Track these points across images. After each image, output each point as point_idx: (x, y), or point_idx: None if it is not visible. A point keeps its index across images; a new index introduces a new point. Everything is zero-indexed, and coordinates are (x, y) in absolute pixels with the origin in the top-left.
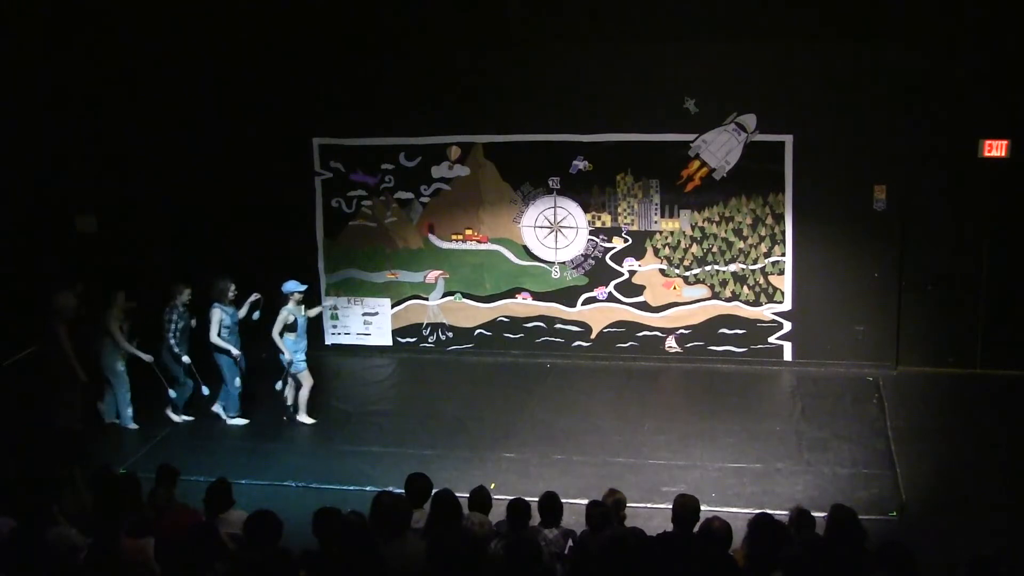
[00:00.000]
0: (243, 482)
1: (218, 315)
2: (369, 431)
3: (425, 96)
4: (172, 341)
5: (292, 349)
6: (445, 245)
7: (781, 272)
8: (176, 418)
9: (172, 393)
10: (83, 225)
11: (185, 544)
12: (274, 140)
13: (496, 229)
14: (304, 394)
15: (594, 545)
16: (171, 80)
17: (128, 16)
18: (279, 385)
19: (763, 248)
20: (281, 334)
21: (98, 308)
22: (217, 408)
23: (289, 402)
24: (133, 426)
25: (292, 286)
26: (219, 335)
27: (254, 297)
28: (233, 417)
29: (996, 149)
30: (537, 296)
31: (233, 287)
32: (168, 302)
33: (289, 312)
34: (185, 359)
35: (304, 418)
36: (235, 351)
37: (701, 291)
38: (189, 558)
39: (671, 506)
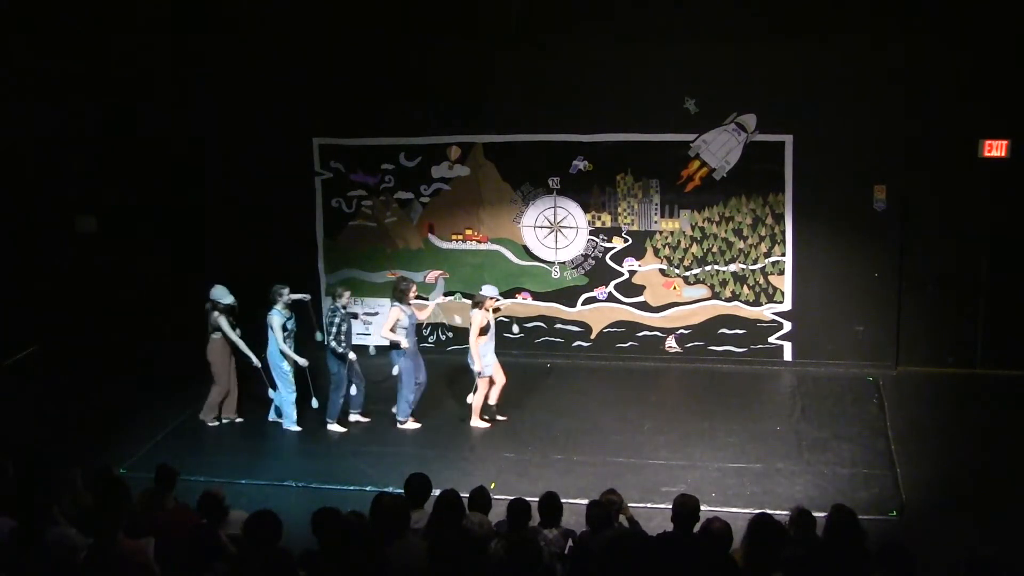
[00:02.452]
0: (243, 482)
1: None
2: (369, 431)
3: (425, 96)
4: (334, 343)
5: (482, 352)
6: (445, 245)
7: (781, 272)
8: (336, 427)
9: (352, 392)
10: (83, 225)
11: (185, 544)
12: (274, 140)
13: (496, 229)
14: (479, 398)
15: (594, 545)
16: (171, 80)
17: (129, 16)
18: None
19: (763, 248)
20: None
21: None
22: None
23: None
24: (296, 428)
25: (490, 290)
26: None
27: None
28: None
29: (996, 149)
30: (537, 296)
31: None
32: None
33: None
34: (352, 355)
35: (477, 422)
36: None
37: (701, 291)
38: (189, 558)
39: (671, 506)
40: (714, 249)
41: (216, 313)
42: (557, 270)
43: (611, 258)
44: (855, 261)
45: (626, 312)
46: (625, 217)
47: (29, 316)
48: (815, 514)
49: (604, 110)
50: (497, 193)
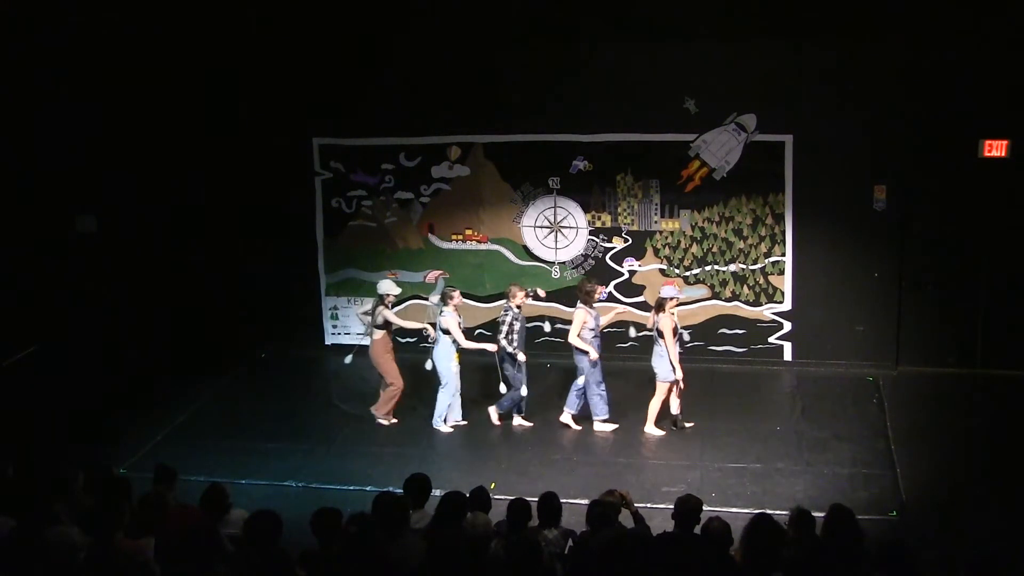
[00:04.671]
0: (243, 482)
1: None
2: (369, 431)
3: (425, 96)
4: (504, 341)
5: (665, 354)
6: (445, 245)
7: (781, 272)
8: (523, 422)
9: (523, 392)
10: (83, 225)
11: (185, 544)
12: (274, 140)
13: (496, 229)
14: (657, 403)
15: (594, 545)
16: (172, 79)
17: (129, 15)
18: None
19: (763, 248)
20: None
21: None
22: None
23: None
24: (446, 429)
25: (671, 291)
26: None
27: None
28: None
29: (996, 149)
30: (537, 296)
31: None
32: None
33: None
34: (521, 356)
35: (653, 429)
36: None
37: (701, 291)
38: (189, 558)
39: (671, 506)
40: (714, 249)
41: (382, 307)
42: (557, 270)
43: (611, 258)
44: (855, 261)
45: (626, 312)
46: (625, 217)
47: (29, 316)
48: (815, 514)
49: (604, 110)
50: (497, 193)
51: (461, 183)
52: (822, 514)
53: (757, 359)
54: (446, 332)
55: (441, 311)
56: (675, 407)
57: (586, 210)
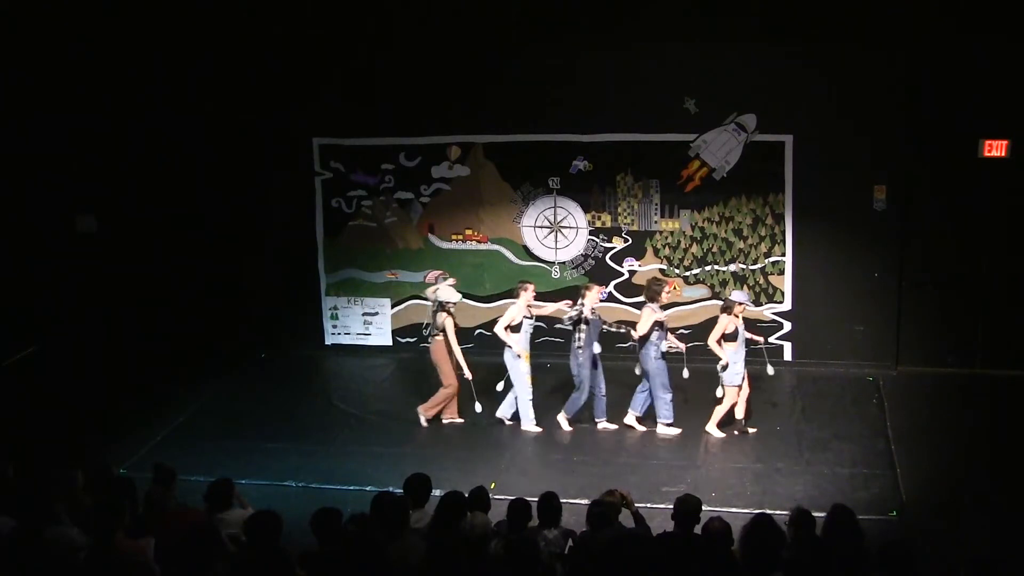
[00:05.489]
0: (243, 482)
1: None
2: (369, 431)
3: (425, 96)
4: (576, 344)
5: (733, 360)
6: (445, 245)
7: (781, 272)
8: (566, 424)
9: (596, 392)
10: (83, 225)
11: (185, 544)
12: (274, 140)
13: (496, 229)
14: (724, 407)
15: (594, 545)
16: (171, 79)
17: (128, 15)
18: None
19: (763, 248)
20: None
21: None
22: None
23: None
24: (536, 429)
25: (740, 296)
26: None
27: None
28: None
29: (996, 149)
30: (538, 296)
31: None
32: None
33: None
34: (596, 348)
35: (715, 431)
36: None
37: (701, 291)
38: (189, 558)
39: (671, 506)
40: (714, 249)
41: (443, 314)
42: (557, 270)
43: (611, 258)
44: (855, 261)
45: (626, 312)
46: (625, 217)
47: (29, 316)
48: (815, 514)
49: (604, 110)
50: (497, 193)
51: (461, 183)
52: (822, 514)
53: (757, 359)
54: (514, 330)
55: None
56: (740, 411)
57: (586, 210)
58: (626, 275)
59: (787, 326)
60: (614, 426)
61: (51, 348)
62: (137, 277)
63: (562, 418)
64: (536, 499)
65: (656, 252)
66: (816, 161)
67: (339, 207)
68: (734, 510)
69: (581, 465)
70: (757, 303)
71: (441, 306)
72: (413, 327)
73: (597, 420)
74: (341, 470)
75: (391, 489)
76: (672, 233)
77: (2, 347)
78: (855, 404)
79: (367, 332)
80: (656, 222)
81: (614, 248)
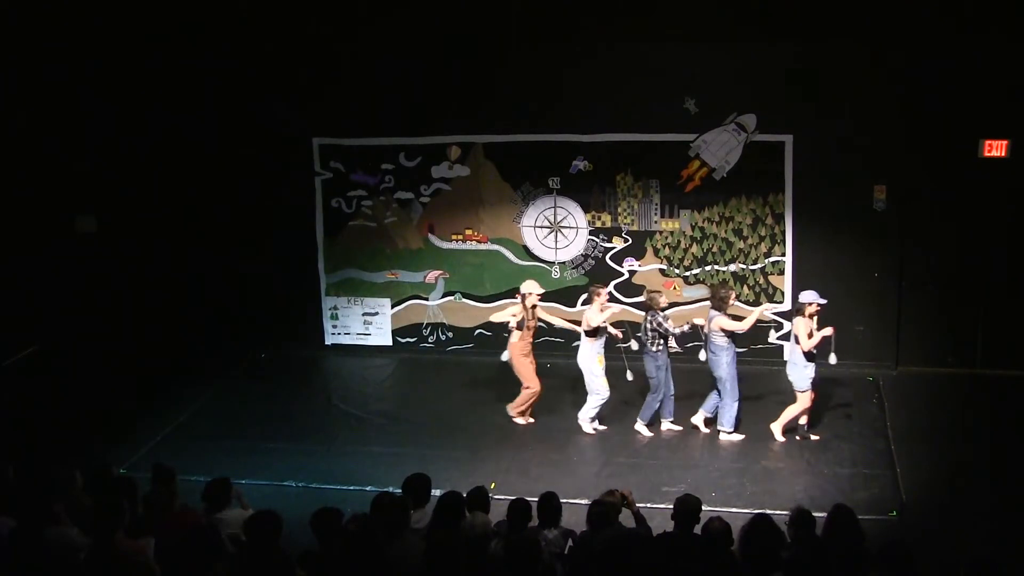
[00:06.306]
0: (243, 482)
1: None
2: (369, 431)
3: (425, 96)
4: (654, 348)
5: (804, 363)
6: (445, 245)
7: (781, 272)
8: (644, 429)
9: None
10: (83, 225)
11: (185, 544)
12: (274, 140)
13: (496, 229)
14: (793, 411)
15: (594, 545)
16: (171, 79)
17: (129, 15)
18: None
19: (763, 248)
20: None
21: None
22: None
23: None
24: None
25: (810, 296)
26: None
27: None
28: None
29: (996, 149)
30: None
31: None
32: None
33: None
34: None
35: (779, 435)
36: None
37: (701, 291)
38: (189, 558)
39: (671, 506)
40: (714, 249)
41: (515, 311)
42: (557, 270)
43: (611, 258)
44: (855, 261)
45: (626, 312)
46: (625, 217)
47: (29, 316)
48: (815, 514)
49: (604, 110)
50: (497, 193)
51: (461, 183)
52: (822, 514)
53: (757, 359)
54: (590, 334)
55: (586, 311)
56: (802, 417)
57: (586, 210)
58: (626, 275)
59: (787, 326)
60: (679, 428)
61: (51, 348)
62: (137, 277)
63: (640, 426)
64: (536, 499)
65: (656, 252)
66: (816, 161)
67: (339, 207)
68: (734, 510)
69: (581, 465)
70: (757, 303)
71: (523, 300)
72: (413, 327)
73: (664, 420)
74: (341, 470)
75: (391, 489)
76: (672, 233)
77: (2, 347)
78: (855, 404)
79: (367, 332)
80: (656, 222)
81: (614, 248)
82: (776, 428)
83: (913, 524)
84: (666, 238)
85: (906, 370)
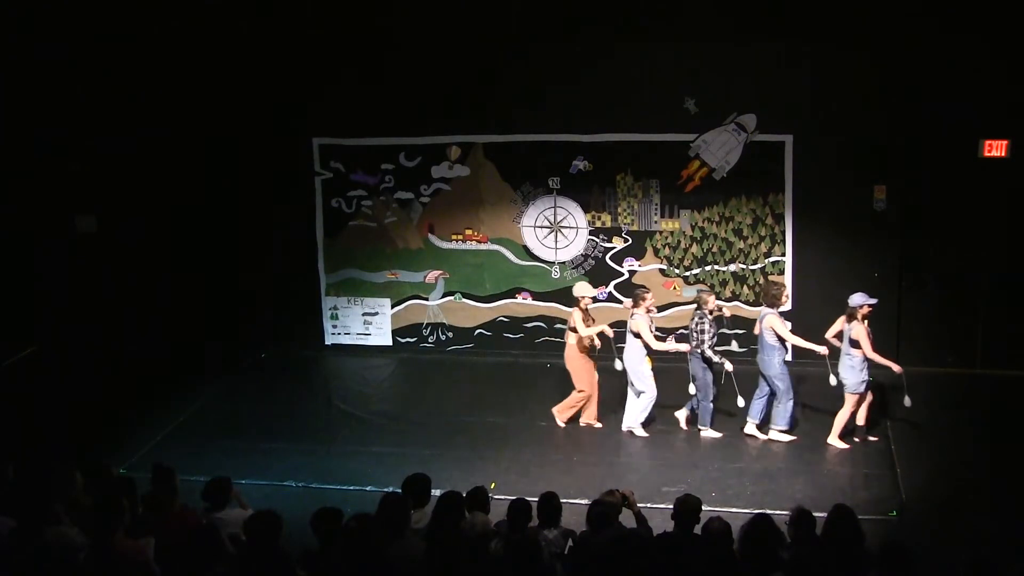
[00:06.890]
0: (243, 482)
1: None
2: (369, 431)
3: (425, 96)
4: (708, 351)
5: (860, 367)
6: (445, 245)
7: (781, 272)
8: (711, 433)
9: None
10: (83, 225)
11: (185, 545)
12: (274, 140)
13: (496, 229)
14: (845, 415)
15: (594, 545)
16: (171, 79)
17: (128, 14)
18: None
19: (763, 248)
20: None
21: None
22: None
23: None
24: (642, 433)
25: (860, 298)
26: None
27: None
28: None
29: (996, 149)
30: (537, 296)
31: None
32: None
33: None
34: (728, 366)
35: (837, 441)
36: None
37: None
38: (189, 558)
39: (671, 506)
40: (714, 249)
41: (575, 309)
42: (557, 270)
43: (611, 258)
44: (855, 261)
45: (626, 312)
46: (625, 217)
47: (29, 316)
48: (815, 514)
49: (604, 110)
50: (497, 193)
51: (461, 183)
52: (822, 514)
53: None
54: (636, 335)
55: (632, 314)
56: (861, 419)
57: (586, 210)
58: (626, 275)
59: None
60: (719, 434)
61: (51, 348)
62: (137, 277)
63: (706, 433)
64: (536, 499)
65: (656, 252)
66: (816, 161)
67: (339, 207)
68: (734, 510)
69: (581, 465)
70: (757, 303)
71: (576, 302)
72: (413, 327)
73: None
74: (341, 470)
75: (391, 489)
76: (672, 233)
77: (2, 347)
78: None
79: (367, 332)
80: (656, 222)
81: (614, 248)
82: (833, 439)
83: (913, 524)
84: (666, 238)
85: (906, 370)
